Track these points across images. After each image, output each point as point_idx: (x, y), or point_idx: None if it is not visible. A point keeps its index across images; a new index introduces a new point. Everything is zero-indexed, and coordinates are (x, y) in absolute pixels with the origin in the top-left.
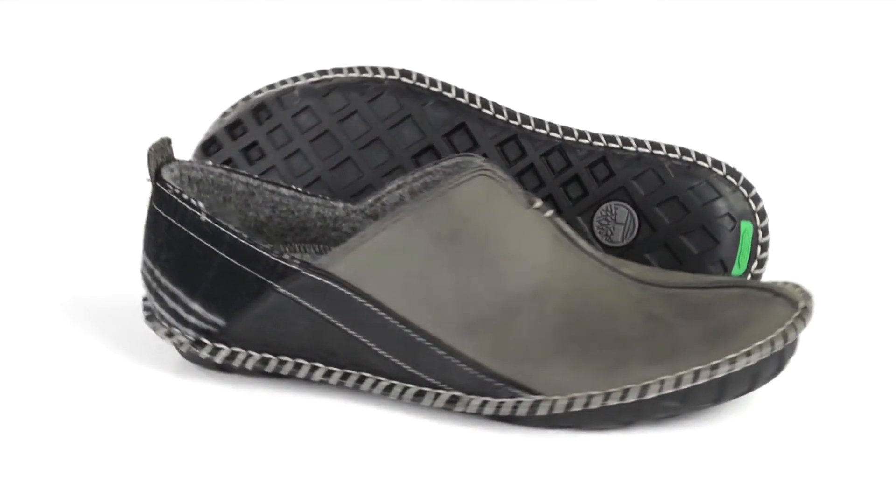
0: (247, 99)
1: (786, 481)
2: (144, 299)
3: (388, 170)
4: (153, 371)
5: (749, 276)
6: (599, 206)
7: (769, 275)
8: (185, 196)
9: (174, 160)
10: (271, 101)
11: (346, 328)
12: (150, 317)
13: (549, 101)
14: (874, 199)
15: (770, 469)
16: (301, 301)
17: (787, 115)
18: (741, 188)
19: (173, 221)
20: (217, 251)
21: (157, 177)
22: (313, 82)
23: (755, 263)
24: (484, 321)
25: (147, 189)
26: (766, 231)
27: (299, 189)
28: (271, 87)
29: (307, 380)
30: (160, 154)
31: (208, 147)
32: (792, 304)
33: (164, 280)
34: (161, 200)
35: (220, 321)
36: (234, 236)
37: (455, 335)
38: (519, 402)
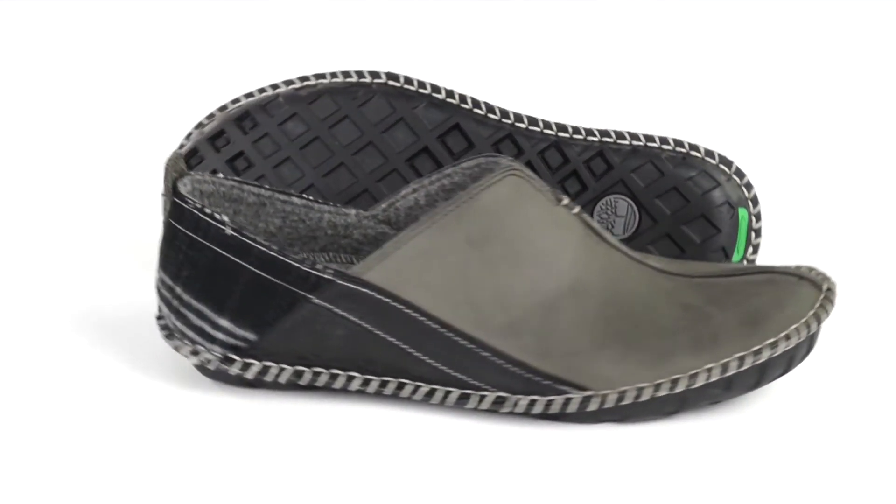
0: (223, 109)
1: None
2: (159, 318)
3: (384, 174)
4: (174, 388)
5: (745, 262)
6: (599, 201)
7: (760, 260)
8: (207, 210)
9: (187, 174)
10: (255, 110)
11: (384, 335)
12: (170, 335)
13: (530, 99)
14: (855, 181)
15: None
16: (337, 311)
17: (763, 101)
18: (734, 176)
19: (195, 237)
20: (245, 265)
21: (174, 192)
22: (297, 89)
23: (750, 249)
24: (525, 320)
25: (143, 197)
26: (758, 217)
27: (310, 198)
28: (250, 95)
29: (343, 390)
30: (174, 169)
31: (189, 159)
32: (816, 287)
33: (186, 297)
34: (180, 216)
35: (251, 336)
36: (263, 249)
37: (498, 336)
38: (569, 398)
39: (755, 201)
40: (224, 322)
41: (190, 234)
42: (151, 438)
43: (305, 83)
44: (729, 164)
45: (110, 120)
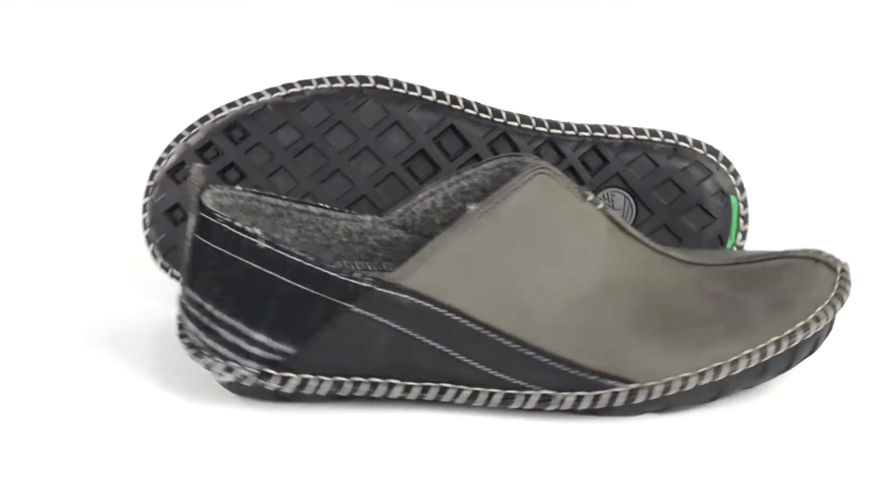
0: (206, 119)
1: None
2: (182, 336)
3: (381, 179)
4: (204, 406)
5: (735, 249)
6: (596, 195)
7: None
8: (238, 224)
9: (208, 188)
10: (244, 119)
11: (425, 340)
12: (199, 353)
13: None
14: (831, 165)
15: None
16: (377, 318)
17: (734, 90)
18: (722, 165)
19: (225, 252)
20: (281, 278)
21: (202, 207)
22: (284, 96)
23: (739, 236)
24: (567, 317)
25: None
26: (745, 204)
27: (327, 206)
28: (232, 105)
29: (384, 398)
30: (199, 183)
31: (175, 172)
32: (832, 268)
33: (219, 314)
34: (208, 231)
35: (290, 349)
36: (299, 260)
37: (541, 334)
38: (615, 392)
39: (742, 188)
40: (260, 337)
41: (220, 249)
42: (188, 458)
43: (291, 90)
44: (716, 153)
45: (81, 132)
